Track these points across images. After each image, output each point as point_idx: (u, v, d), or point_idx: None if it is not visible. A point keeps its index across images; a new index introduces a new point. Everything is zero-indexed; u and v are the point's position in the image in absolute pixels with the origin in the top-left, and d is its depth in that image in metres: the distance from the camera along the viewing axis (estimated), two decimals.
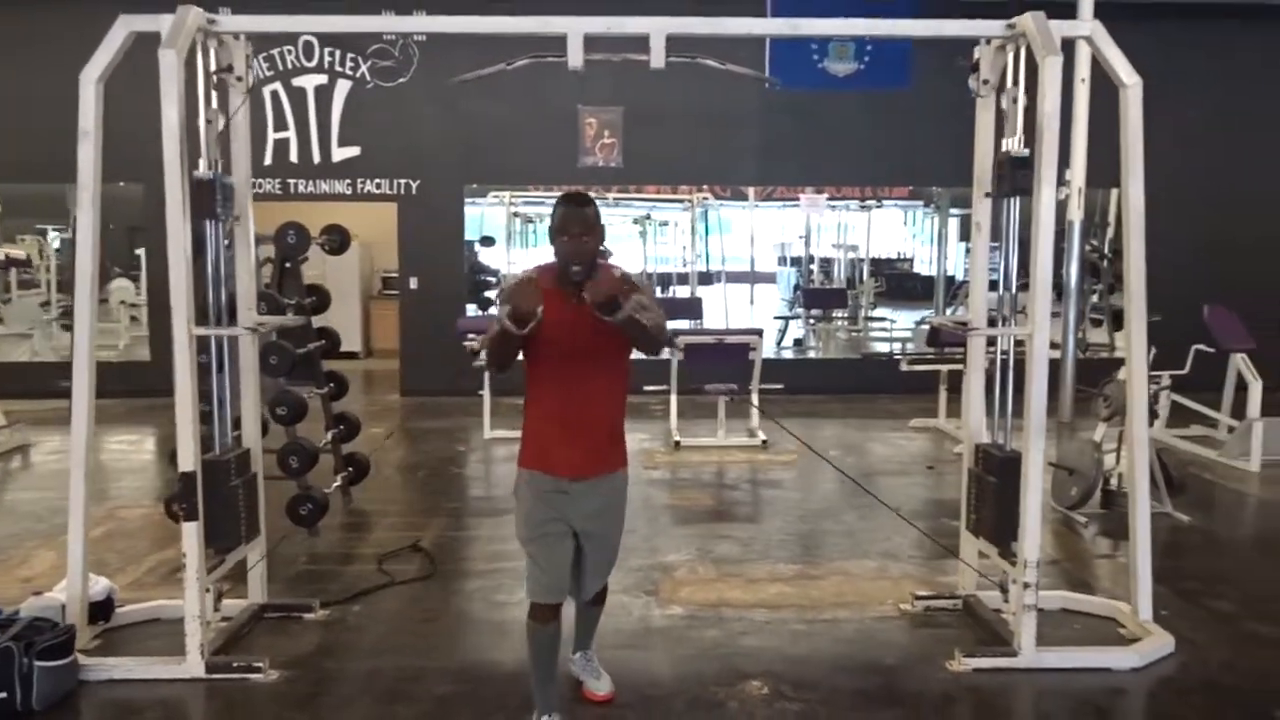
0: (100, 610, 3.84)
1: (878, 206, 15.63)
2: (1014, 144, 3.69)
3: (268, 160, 9.36)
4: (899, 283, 17.21)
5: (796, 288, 15.51)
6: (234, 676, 3.49)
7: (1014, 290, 3.86)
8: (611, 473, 2.99)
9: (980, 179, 3.98)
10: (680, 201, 12.82)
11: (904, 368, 8.20)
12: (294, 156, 9.45)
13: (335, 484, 5.68)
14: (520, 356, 2.92)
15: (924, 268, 17.85)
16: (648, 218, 13.93)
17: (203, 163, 3.59)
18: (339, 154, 9.53)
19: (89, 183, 3.55)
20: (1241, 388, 7.13)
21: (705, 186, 11.71)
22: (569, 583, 2.94)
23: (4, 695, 3.20)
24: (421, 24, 3.67)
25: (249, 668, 3.50)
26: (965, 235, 15.20)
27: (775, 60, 8.98)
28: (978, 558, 4.10)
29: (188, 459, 3.42)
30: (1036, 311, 3.54)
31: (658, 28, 3.57)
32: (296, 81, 9.41)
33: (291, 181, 9.35)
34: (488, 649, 3.81)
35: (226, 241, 3.81)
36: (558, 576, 2.90)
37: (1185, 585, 4.44)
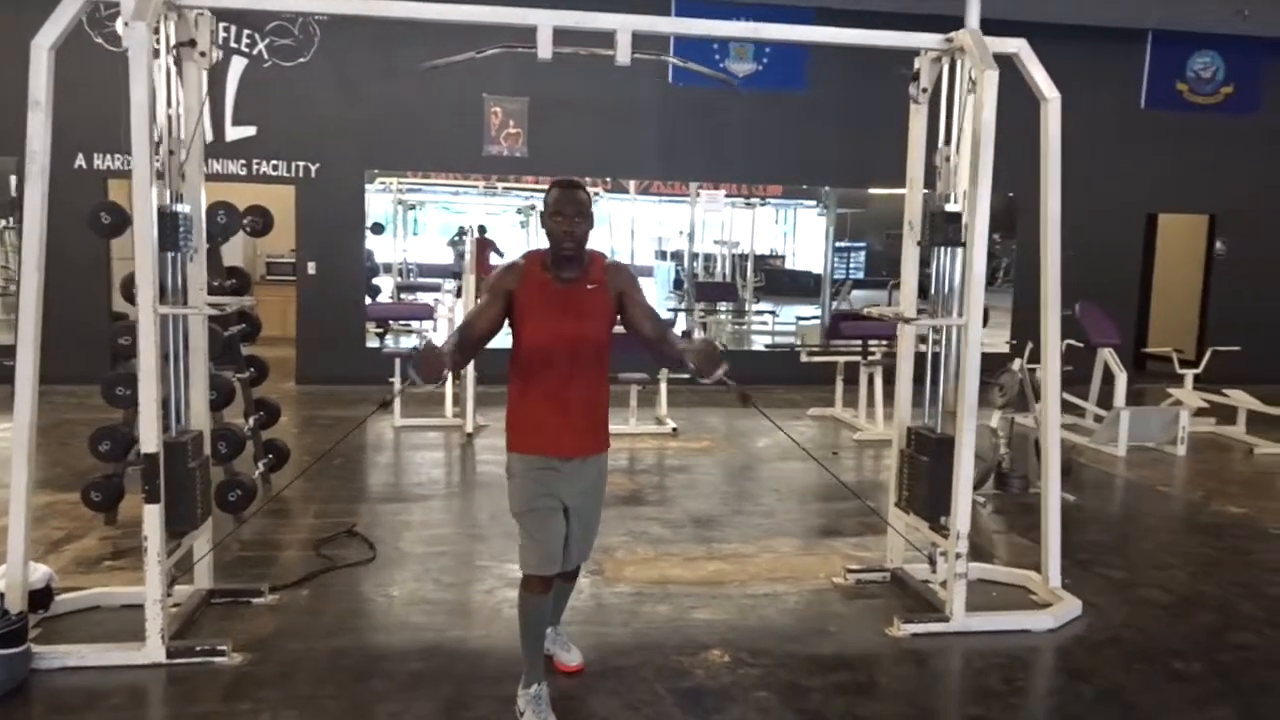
0: (39, 599, 3.71)
1: (761, 204, 16.13)
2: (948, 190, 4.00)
3: (156, 136, 8.94)
4: (777, 278, 17.79)
5: (678, 283, 15.82)
6: (197, 660, 3.44)
7: (946, 289, 4.12)
8: (598, 454, 3.10)
9: (913, 180, 4.27)
10: None
11: (804, 359, 8.57)
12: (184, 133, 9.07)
13: (257, 471, 5.58)
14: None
15: (798, 264, 18.51)
16: (532, 208, 13.99)
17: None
18: (233, 133, 9.22)
19: (39, 153, 3.44)
20: (1108, 379, 7.77)
21: (606, 180, 11.83)
22: (560, 555, 3.04)
23: None
24: (400, 9, 3.68)
25: (213, 651, 3.46)
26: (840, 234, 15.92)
27: (678, 56, 9.22)
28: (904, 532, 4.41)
29: (151, 440, 3.37)
30: (970, 304, 3.85)
31: (624, 24, 3.70)
32: None
33: None
34: (449, 627, 3.86)
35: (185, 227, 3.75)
36: (551, 548, 2.99)
37: (1080, 556, 4.89)
